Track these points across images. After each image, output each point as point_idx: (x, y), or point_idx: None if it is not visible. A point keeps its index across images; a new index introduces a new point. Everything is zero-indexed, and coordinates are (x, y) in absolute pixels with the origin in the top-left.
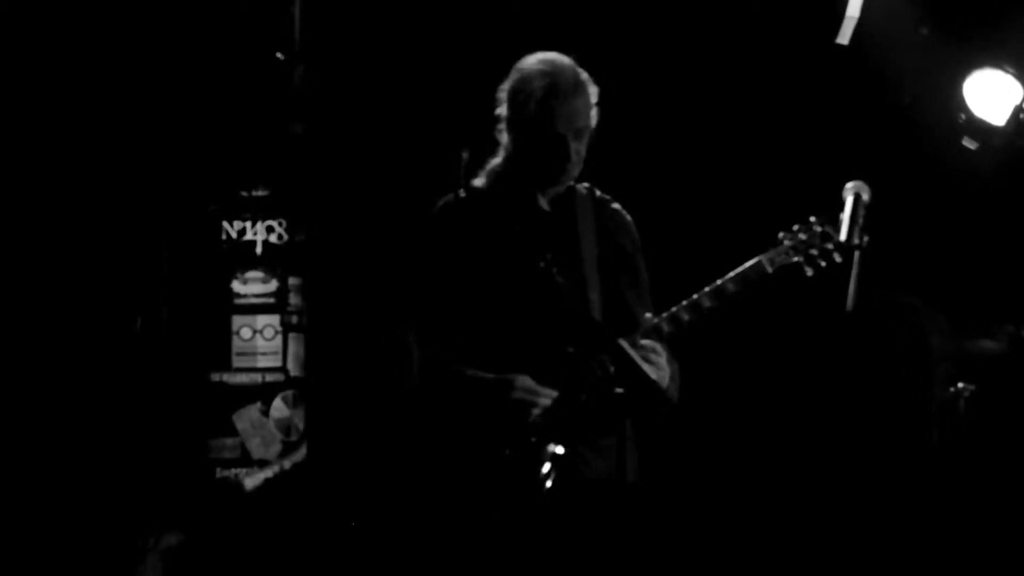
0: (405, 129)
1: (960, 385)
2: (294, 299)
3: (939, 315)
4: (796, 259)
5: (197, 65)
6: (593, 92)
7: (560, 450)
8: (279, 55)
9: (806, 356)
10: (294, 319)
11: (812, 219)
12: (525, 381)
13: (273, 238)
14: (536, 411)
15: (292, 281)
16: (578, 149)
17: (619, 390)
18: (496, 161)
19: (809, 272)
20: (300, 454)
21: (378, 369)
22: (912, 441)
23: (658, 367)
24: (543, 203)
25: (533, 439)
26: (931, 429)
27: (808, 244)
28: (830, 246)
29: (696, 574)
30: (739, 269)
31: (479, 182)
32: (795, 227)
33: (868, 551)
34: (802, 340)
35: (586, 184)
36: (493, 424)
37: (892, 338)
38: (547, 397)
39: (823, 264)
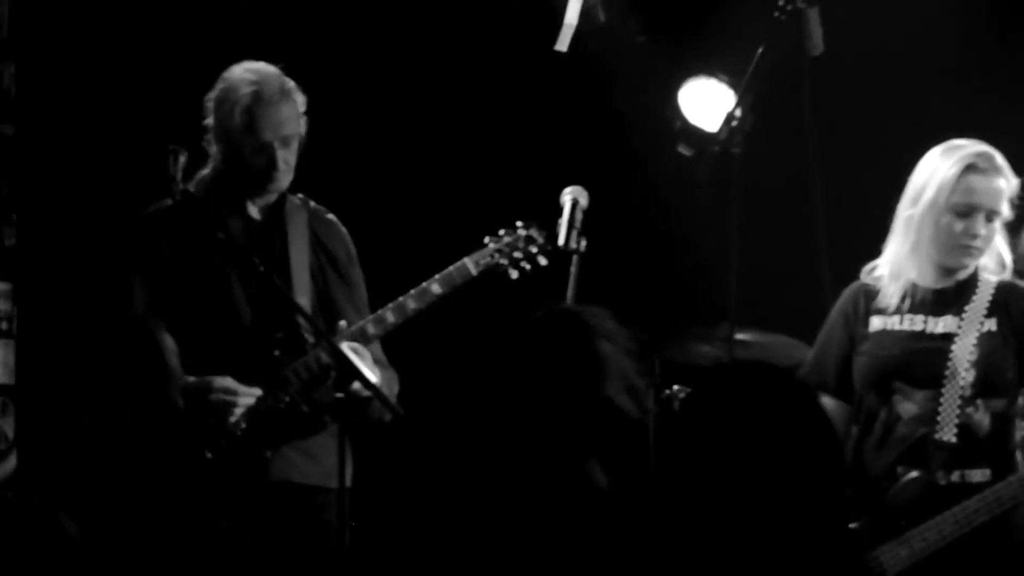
0: (120, 131)
1: (675, 387)
2: (4, 305)
3: (603, 314)
4: (501, 261)
5: None
6: (300, 100)
7: (268, 454)
8: None
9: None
10: (4, 325)
11: (518, 223)
12: (225, 382)
13: None
14: (237, 412)
15: (2, 287)
16: (286, 157)
17: (339, 395)
18: (205, 171)
19: (514, 275)
20: (10, 464)
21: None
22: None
23: (370, 368)
24: (253, 212)
25: (233, 440)
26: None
27: (512, 247)
28: (534, 249)
29: None
30: (444, 271)
31: (191, 190)
32: (501, 231)
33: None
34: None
35: (300, 195)
36: (195, 426)
37: (559, 342)
38: (248, 398)
39: (527, 267)
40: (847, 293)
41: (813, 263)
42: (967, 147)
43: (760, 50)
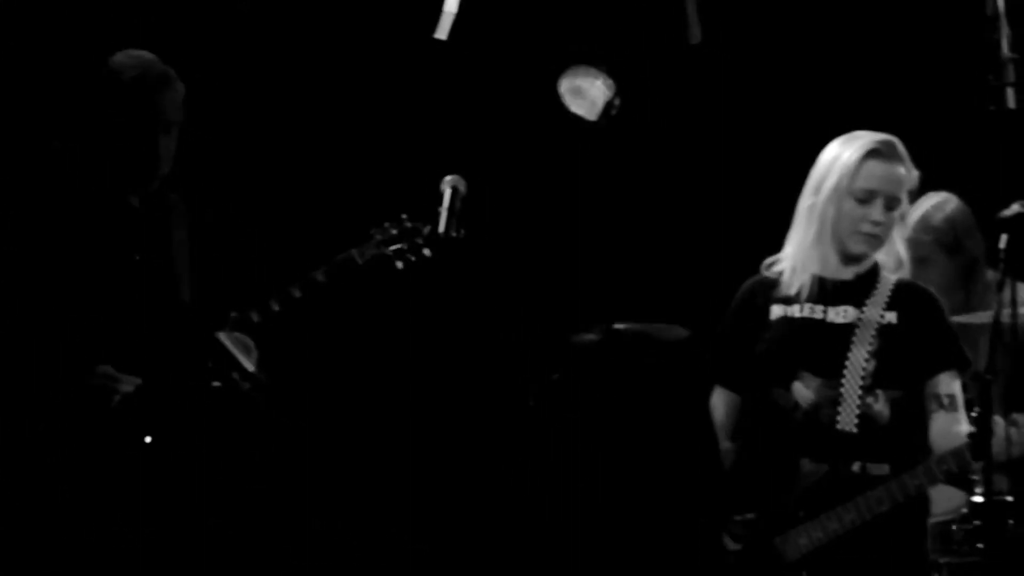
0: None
1: (555, 376)
2: None
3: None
4: (386, 252)
5: None
6: (180, 89)
7: (148, 439)
8: None
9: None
10: None
11: (404, 216)
12: (104, 369)
13: None
14: (116, 397)
15: None
16: (167, 144)
17: (216, 383)
18: (88, 159)
19: (399, 265)
20: None
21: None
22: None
23: (252, 359)
24: (134, 201)
25: (114, 425)
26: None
27: (398, 239)
28: (419, 241)
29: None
30: (330, 261)
31: (74, 179)
32: (386, 223)
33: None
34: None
35: (180, 193)
36: (76, 414)
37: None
38: (129, 384)
39: (412, 258)
40: (745, 288)
41: (702, 253)
42: (870, 135)
43: (640, 39)
